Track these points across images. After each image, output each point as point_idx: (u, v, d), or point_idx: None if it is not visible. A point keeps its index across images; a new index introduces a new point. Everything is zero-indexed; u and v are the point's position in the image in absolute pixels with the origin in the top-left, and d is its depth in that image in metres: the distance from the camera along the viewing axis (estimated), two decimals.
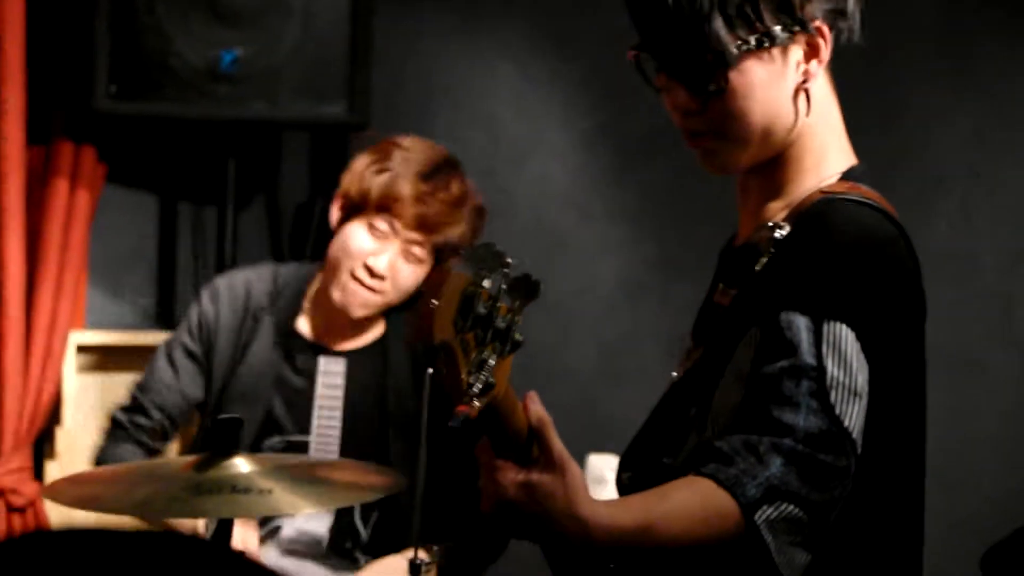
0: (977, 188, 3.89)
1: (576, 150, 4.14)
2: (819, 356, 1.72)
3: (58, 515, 3.71)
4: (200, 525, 2.78)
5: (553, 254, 4.11)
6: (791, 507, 1.67)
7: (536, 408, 1.61)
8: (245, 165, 3.89)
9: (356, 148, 3.12)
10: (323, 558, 3.03)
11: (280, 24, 3.56)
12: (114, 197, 3.88)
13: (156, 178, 4.04)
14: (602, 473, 3.52)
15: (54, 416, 3.70)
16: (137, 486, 2.27)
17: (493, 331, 1.47)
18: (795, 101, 1.87)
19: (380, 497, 2.41)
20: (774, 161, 1.91)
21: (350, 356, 3.08)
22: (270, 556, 3.01)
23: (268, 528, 3.02)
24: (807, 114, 1.88)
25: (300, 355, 3.06)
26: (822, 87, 1.90)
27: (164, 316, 4.03)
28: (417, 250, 2.97)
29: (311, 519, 3.02)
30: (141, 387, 3.07)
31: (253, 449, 2.97)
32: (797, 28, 1.84)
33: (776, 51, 1.84)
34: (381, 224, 2.96)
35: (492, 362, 1.47)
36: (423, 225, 2.95)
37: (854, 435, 1.71)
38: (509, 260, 1.48)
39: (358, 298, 2.97)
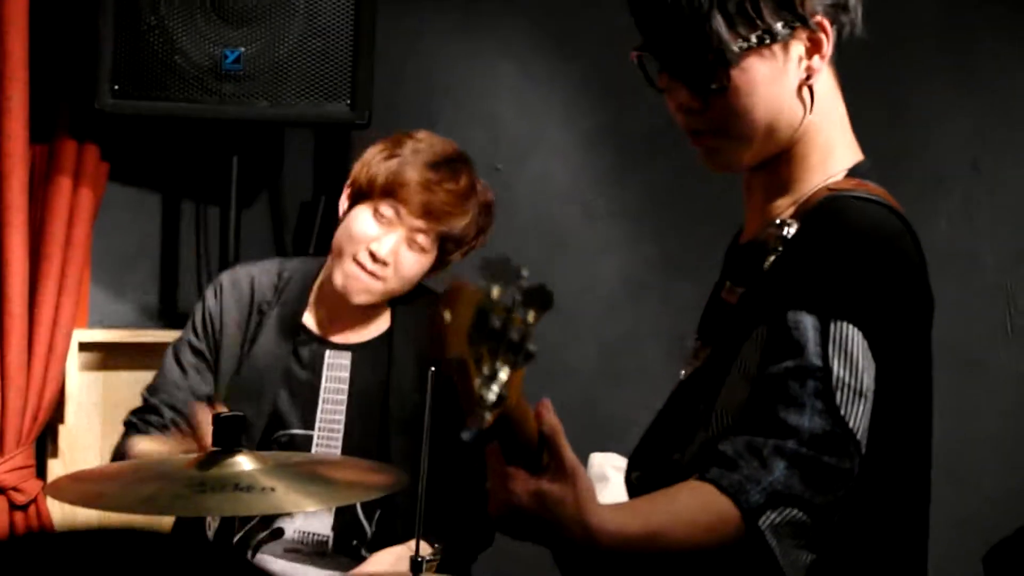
0: (978, 186, 3.88)
1: (577, 149, 4.14)
2: (825, 356, 1.72)
3: (60, 513, 3.71)
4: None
5: (554, 253, 4.12)
6: (794, 511, 1.68)
7: (549, 416, 1.62)
8: (248, 163, 3.89)
9: (360, 148, 3.13)
10: (329, 558, 3.03)
11: (283, 23, 3.56)
12: (117, 195, 3.89)
13: (159, 176, 4.05)
14: (604, 471, 3.52)
15: (57, 414, 3.71)
16: (140, 484, 2.27)
17: (507, 343, 1.46)
18: (798, 97, 1.87)
19: (381, 496, 2.42)
20: (779, 158, 1.91)
21: (356, 350, 3.08)
22: (274, 558, 3.01)
23: (270, 529, 3.03)
24: (810, 110, 1.88)
25: (306, 348, 3.06)
26: (826, 83, 1.90)
27: (167, 314, 4.03)
28: (421, 238, 2.97)
29: (313, 518, 3.02)
30: (151, 389, 3.08)
31: (262, 443, 2.97)
32: (798, 24, 1.84)
33: (777, 48, 1.84)
34: (386, 210, 2.96)
35: (505, 374, 1.48)
36: (428, 213, 2.95)
37: (858, 436, 1.72)
38: (523, 272, 1.48)
39: (359, 283, 2.97)
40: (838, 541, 1.75)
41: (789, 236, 1.85)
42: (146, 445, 2.91)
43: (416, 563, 2.56)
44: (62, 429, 3.75)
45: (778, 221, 1.88)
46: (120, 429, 3.07)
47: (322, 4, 3.57)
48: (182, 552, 1.04)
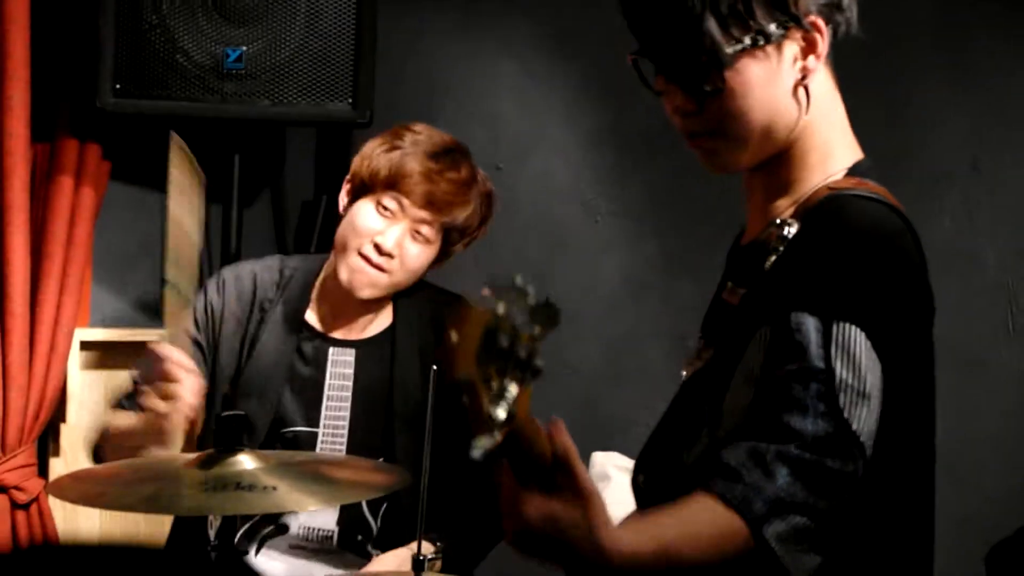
0: (978, 185, 3.88)
1: (578, 148, 4.14)
2: (828, 358, 1.71)
3: (62, 512, 3.72)
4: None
5: (555, 252, 4.12)
6: (799, 518, 1.68)
7: (561, 437, 1.62)
8: (250, 162, 3.89)
9: (361, 147, 3.13)
10: (335, 554, 3.03)
11: (285, 22, 3.57)
12: (119, 194, 3.89)
13: (161, 175, 4.04)
14: (606, 470, 3.52)
15: (58, 412, 3.71)
16: (142, 483, 2.27)
17: (515, 361, 1.47)
18: (794, 98, 1.87)
19: (383, 495, 2.41)
20: (778, 158, 1.90)
21: (359, 346, 3.08)
22: (278, 554, 3.01)
23: (275, 525, 3.02)
24: (806, 110, 1.88)
25: (309, 346, 3.06)
26: (824, 82, 1.90)
27: None
28: (425, 229, 2.97)
29: (318, 514, 3.02)
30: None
31: (266, 441, 2.97)
32: (792, 24, 1.83)
33: (771, 48, 1.83)
34: (389, 202, 2.96)
35: (514, 391, 1.48)
36: (431, 203, 2.95)
37: (862, 438, 1.71)
38: (530, 290, 1.48)
39: (365, 277, 2.97)
40: (845, 542, 1.75)
41: (790, 236, 1.85)
42: (121, 420, 2.89)
43: (418, 562, 2.56)
44: (64, 428, 3.75)
45: (778, 221, 1.88)
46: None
47: (323, 3, 3.58)
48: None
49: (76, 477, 2.38)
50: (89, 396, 3.80)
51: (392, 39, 3.96)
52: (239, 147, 3.80)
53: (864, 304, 1.74)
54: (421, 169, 2.95)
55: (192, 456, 2.33)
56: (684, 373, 1.99)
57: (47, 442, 3.76)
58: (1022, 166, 3.86)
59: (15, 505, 3.61)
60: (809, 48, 1.86)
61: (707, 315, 2.04)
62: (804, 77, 1.86)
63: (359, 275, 2.96)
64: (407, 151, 2.97)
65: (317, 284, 3.10)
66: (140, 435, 2.58)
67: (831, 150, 1.91)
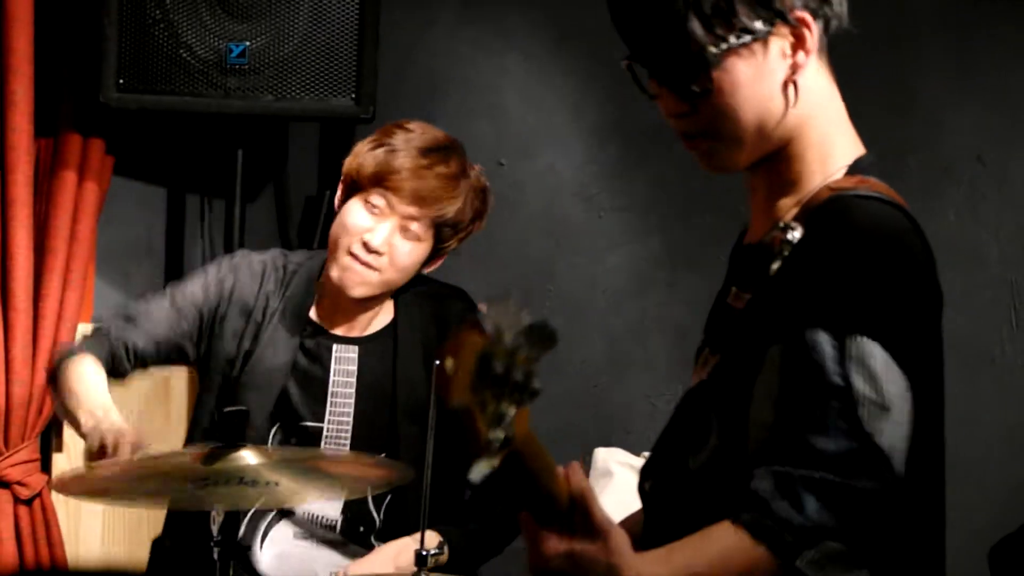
0: (984, 179, 3.87)
1: (582, 143, 4.14)
2: (845, 375, 1.71)
3: (65, 508, 3.72)
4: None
5: (559, 247, 4.11)
6: (831, 544, 1.68)
7: (577, 478, 1.64)
8: (253, 157, 3.89)
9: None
10: (338, 544, 3.03)
11: (288, 17, 3.57)
12: (122, 189, 3.89)
13: (164, 170, 4.05)
14: (608, 466, 3.52)
15: None
16: (145, 479, 2.28)
17: (511, 386, 1.47)
18: (785, 94, 1.85)
19: (384, 490, 2.41)
20: (777, 156, 1.89)
21: (362, 343, 3.08)
22: (283, 539, 3.02)
23: (279, 511, 3.02)
24: (794, 105, 1.86)
25: (312, 342, 3.06)
26: (818, 78, 1.88)
27: None
28: (415, 226, 2.96)
29: (322, 502, 3.02)
30: (140, 310, 3.04)
31: (266, 435, 2.97)
32: (778, 21, 1.82)
33: (758, 46, 1.82)
34: (377, 199, 2.95)
35: (511, 414, 1.48)
36: (419, 199, 2.94)
37: (887, 451, 1.70)
38: (525, 313, 1.48)
39: (355, 275, 2.96)
40: (882, 554, 1.74)
41: (794, 241, 1.84)
42: (84, 380, 2.89)
43: (421, 557, 2.56)
44: (67, 423, 3.75)
45: (782, 224, 1.86)
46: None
47: None
48: None
49: (79, 478, 2.38)
50: None
51: (395, 34, 3.96)
52: (242, 142, 3.80)
53: (876, 315, 1.73)
54: (409, 165, 2.94)
55: (195, 452, 2.33)
56: (692, 381, 1.98)
57: (50, 437, 3.76)
58: None
59: (18, 500, 3.61)
60: (798, 43, 1.84)
61: (711, 319, 2.02)
62: (794, 73, 1.85)
63: (349, 273, 2.96)
64: (396, 148, 2.96)
65: (321, 281, 3.10)
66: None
67: (831, 146, 1.89)
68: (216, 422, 2.92)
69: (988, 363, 3.85)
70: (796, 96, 1.85)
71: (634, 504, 2.06)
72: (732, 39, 1.80)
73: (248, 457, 2.26)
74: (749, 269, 1.91)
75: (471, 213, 3.02)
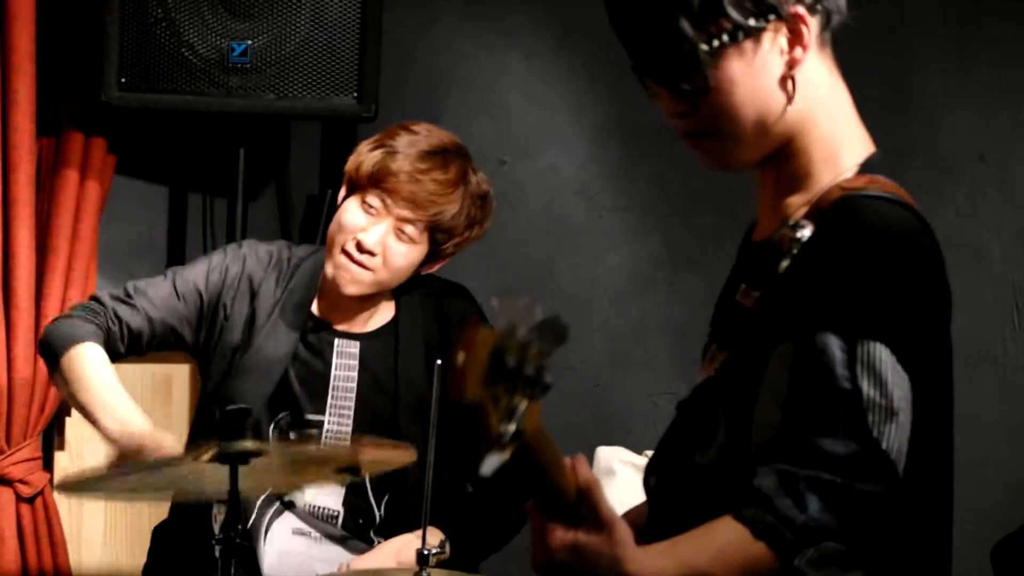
0: (985, 178, 3.87)
1: (584, 142, 4.14)
2: (854, 378, 1.71)
3: (67, 504, 3.72)
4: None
5: (560, 246, 4.11)
6: (831, 544, 1.69)
7: (584, 470, 1.65)
8: (255, 156, 3.89)
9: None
10: (338, 539, 3.04)
11: (290, 16, 3.57)
12: (124, 188, 3.89)
13: (166, 169, 4.05)
14: (611, 465, 3.52)
15: (63, 406, 3.71)
16: (147, 475, 2.28)
17: (523, 380, 1.48)
18: (783, 90, 1.84)
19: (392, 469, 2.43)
20: (782, 153, 1.88)
21: (363, 339, 3.09)
22: (283, 534, 3.02)
23: (281, 503, 3.03)
24: (791, 101, 1.85)
25: (314, 336, 3.07)
26: (820, 74, 1.87)
27: None
28: (409, 229, 2.96)
29: (324, 494, 3.03)
30: (139, 290, 3.04)
31: (264, 427, 2.98)
32: (772, 17, 1.81)
33: (752, 43, 1.81)
34: (373, 200, 2.96)
35: (523, 408, 1.49)
36: (414, 202, 2.94)
37: (892, 456, 1.71)
38: (538, 310, 1.49)
39: (348, 274, 2.97)
40: (880, 556, 1.75)
41: (804, 239, 1.83)
42: (100, 379, 2.91)
43: (422, 556, 2.56)
44: (69, 422, 3.76)
45: (791, 223, 1.86)
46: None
47: None
48: None
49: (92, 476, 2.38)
50: None
51: (397, 33, 3.96)
52: (244, 141, 3.80)
53: (886, 319, 1.73)
54: (407, 168, 2.94)
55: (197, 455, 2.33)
56: (698, 377, 1.98)
57: (52, 436, 3.76)
58: None
59: (20, 499, 3.61)
60: (795, 39, 1.83)
61: (717, 316, 2.02)
62: (791, 69, 1.84)
63: (342, 271, 2.97)
64: (395, 150, 2.96)
65: (322, 276, 3.11)
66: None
67: (839, 144, 1.88)
68: (217, 417, 2.92)
69: (990, 362, 3.85)
70: (795, 92, 1.84)
71: (635, 502, 2.07)
72: (724, 37, 1.80)
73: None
74: (758, 266, 1.91)
75: (467, 220, 3.01)
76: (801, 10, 1.82)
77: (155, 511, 3.55)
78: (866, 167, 1.87)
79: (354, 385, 3.05)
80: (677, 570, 1.67)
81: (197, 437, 2.97)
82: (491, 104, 4.14)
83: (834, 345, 1.72)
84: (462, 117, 4.05)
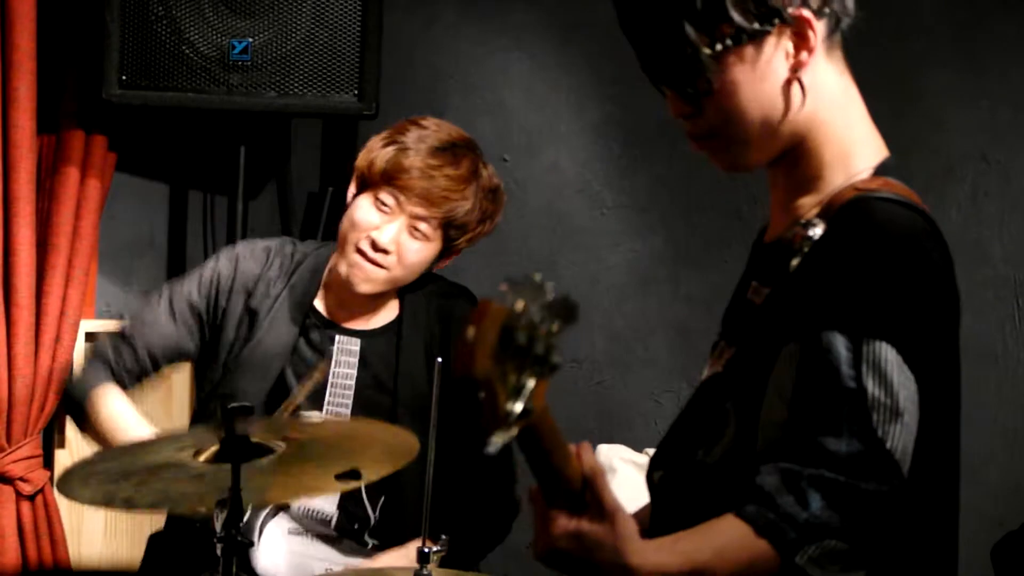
0: (988, 177, 3.87)
1: (586, 140, 4.14)
2: (859, 378, 1.71)
3: (68, 502, 3.72)
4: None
5: (562, 244, 4.11)
6: (833, 542, 1.69)
7: (589, 458, 1.66)
8: (256, 154, 3.89)
9: (367, 138, 3.12)
10: (333, 540, 3.04)
11: (291, 13, 3.56)
12: (125, 185, 3.89)
13: (167, 167, 4.05)
14: (611, 462, 3.52)
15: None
16: (152, 481, 2.27)
17: (532, 358, 1.48)
18: (789, 93, 1.85)
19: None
20: (793, 154, 1.89)
21: (365, 336, 3.08)
22: (278, 534, 3.02)
23: (275, 506, 3.03)
24: (801, 104, 1.86)
25: (315, 332, 3.07)
26: (830, 76, 1.88)
27: None
28: (423, 226, 2.96)
29: (318, 497, 3.02)
30: (134, 325, 3.07)
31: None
32: (776, 20, 1.82)
33: (756, 46, 1.82)
34: (387, 198, 2.95)
35: (531, 387, 1.48)
36: (427, 199, 2.94)
37: (897, 456, 1.71)
38: (548, 286, 1.48)
39: (362, 272, 2.97)
40: (883, 556, 1.74)
41: (815, 237, 1.83)
42: (119, 418, 2.93)
43: (423, 554, 2.56)
44: (69, 420, 3.75)
45: (803, 221, 1.86)
46: None
47: None
48: None
49: (85, 473, 2.37)
50: None
51: (399, 30, 3.96)
52: (245, 138, 3.80)
53: (893, 320, 1.73)
54: (419, 165, 2.94)
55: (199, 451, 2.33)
56: (705, 372, 1.98)
57: (52, 433, 3.76)
58: None
59: (20, 496, 3.61)
60: (800, 42, 1.84)
61: (728, 313, 2.02)
62: (796, 71, 1.84)
63: (356, 270, 2.96)
64: (407, 146, 2.96)
65: (326, 272, 3.10)
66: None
67: (851, 146, 1.88)
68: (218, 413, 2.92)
69: (991, 361, 3.85)
70: (803, 95, 1.84)
71: (636, 500, 2.07)
72: (728, 41, 1.81)
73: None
74: (769, 265, 1.91)
75: (480, 214, 3.02)
76: (806, 13, 1.83)
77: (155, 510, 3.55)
78: (881, 170, 1.88)
79: (352, 383, 3.05)
80: (679, 564, 1.67)
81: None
82: (492, 102, 4.14)
83: (840, 344, 1.72)
84: (463, 115, 4.05)
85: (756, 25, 1.81)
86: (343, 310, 3.08)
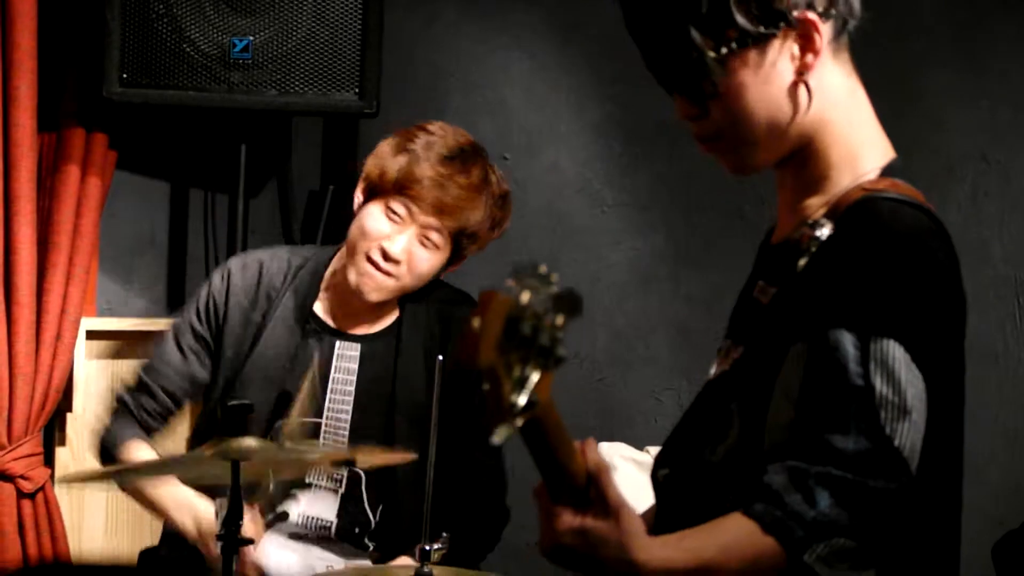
0: (988, 177, 3.88)
1: (586, 139, 4.14)
2: (867, 375, 1.71)
3: (68, 500, 3.72)
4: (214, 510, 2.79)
5: (563, 243, 4.11)
6: (841, 540, 1.68)
7: (594, 454, 1.65)
8: (257, 152, 3.89)
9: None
10: (334, 543, 3.04)
11: (292, 11, 3.56)
12: (125, 184, 3.89)
13: (167, 165, 4.05)
14: (612, 460, 3.52)
15: (64, 402, 3.71)
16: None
17: (537, 349, 1.47)
18: (796, 95, 1.85)
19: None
20: (800, 155, 1.89)
21: (365, 341, 3.08)
22: (277, 540, 3.02)
23: (276, 513, 3.03)
24: (808, 106, 1.86)
25: (315, 337, 3.06)
26: (836, 78, 1.88)
27: (175, 302, 4.03)
28: (434, 235, 2.96)
29: (319, 503, 3.03)
30: (148, 369, 3.08)
31: (269, 429, 2.98)
32: (782, 24, 1.82)
33: (761, 49, 1.82)
34: (398, 207, 2.95)
35: (535, 379, 1.48)
36: (440, 209, 2.93)
37: (905, 453, 1.71)
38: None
39: (372, 281, 2.96)
40: (892, 555, 1.74)
41: (823, 237, 1.84)
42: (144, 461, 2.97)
43: (424, 552, 2.56)
44: (70, 417, 3.75)
45: (811, 221, 1.86)
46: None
47: None
48: None
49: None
50: (95, 385, 3.80)
51: (400, 29, 3.96)
52: (246, 137, 3.80)
53: (901, 318, 1.73)
54: (431, 174, 2.92)
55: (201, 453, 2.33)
56: (713, 371, 1.98)
57: (53, 431, 3.76)
58: None
59: (21, 494, 3.61)
60: (806, 45, 1.84)
61: (735, 313, 2.02)
62: (802, 74, 1.85)
63: (366, 279, 2.96)
64: (418, 155, 2.95)
65: (326, 276, 3.10)
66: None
67: (858, 147, 1.89)
68: (219, 417, 2.93)
69: (992, 360, 3.86)
70: (809, 97, 1.85)
71: (637, 498, 2.07)
72: (732, 44, 1.81)
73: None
74: (777, 265, 1.91)
75: (491, 222, 3.02)
76: (812, 16, 1.83)
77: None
78: (888, 171, 1.88)
79: (352, 388, 3.04)
80: (684, 560, 1.67)
81: (198, 445, 2.98)
82: (492, 101, 4.14)
83: (848, 342, 1.72)
84: (464, 114, 4.05)
85: (761, 28, 1.81)
86: (344, 314, 3.08)
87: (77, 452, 3.73)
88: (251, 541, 2.98)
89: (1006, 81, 3.88)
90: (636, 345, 4.11)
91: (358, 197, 3.04)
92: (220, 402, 2.99)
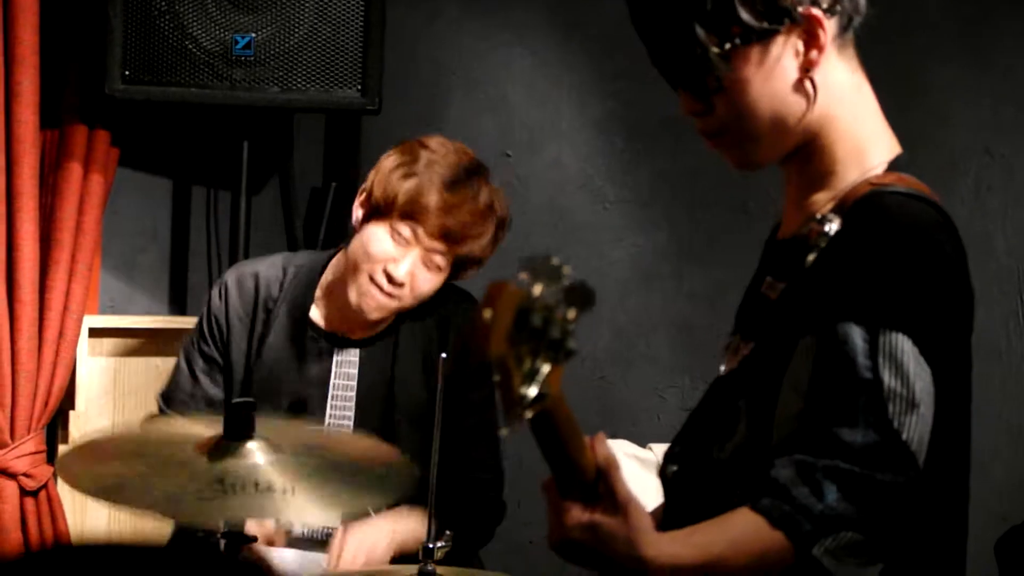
0: (992, 171, 3.87)
1: (588, 135, 4.14)
2: (875, 369, 1.71)
3: (71, 498, 3.72)
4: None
5: (565, 240, 4.11)
6: (849, 534, 1.69)
7: (603, 449, 1.66)
8: (259, 149, 3.89)
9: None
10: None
11: (294, 8, 3.56)
12: (128, 181, 3.89)
13: (170, 162, 4.04)
14: None
15: (67, 400, 3.71)
16: (156, 476, 2.25)
17: (548, 342, 1.47)
18: (801, 91, 1.85)
19: (397, 497, 2.42)
20: (805, 150, 1.89)
21: (363, 345, 3.07)
22: (280, 544, 3.02)
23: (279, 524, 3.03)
24: (812, 102, 1.86)
25: (314, 344, 3.05)
26: (842, 74, 1.88)
27: (177, 300, 4.03)
28: (438, 258, 2.95)
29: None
30: (166, 397, 3.10)
31: None
32: (786, 20, 1.82)
33: (765, 45, 1.83)
34: (404, 229, 2.93)
35: (545, 371, 1.47)
36: (447, 236, 2.93)
37: (912, 447, 1.71)
38: (566, 271, 1.48)
39: (374, 301, 2.95)
40: (900, 548, 1.74)
41: (831, 232, 1.84)
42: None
43: (428, 549, 2.56)
44: (72, 415, 3.75)
45: (819, 216, 1.86)
46: (129, 415, 3.07)
47: None
48: None
49: (87, 460, 2.36)
50: (98, 383, 3.80)
51: (401, 26, 3.95)
52: (248, 134, 3.79)
53: (910, 311, 1.73)
54: (439, 202, 2.90)
55: (201, 441, 2.32)
56: (722, 368, 1.98)
57: (56, 429, 3.76)
58: None
59: (24, 492, 3.61)
60: (810, 41, 1.84)
61: (742, 309, 2.02)
62: (807, 70, 1.85)
63: (368, 299, 2.95)
64: (424, 179, 2.92)
65: (322, 282, 3.09)
66: None
67: (864, 142, 1.89)
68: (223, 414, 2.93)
69: (995, 356, 3.85)
70: (814, 93, 1.85)
71: (640, 495, 2.06)
72: (736, 40, 1.81)
73: (256, 452, 2.25)
74: (784, 260, 1.91)
75: (492, 249, 3.02)
76: (816, 12, 1.83)
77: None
78: (895, 166, 1.88)
79: (353, 393, 3.04)
80: (693, 556, 1.67)
81: None
82: (494, 97, 4.14)
83: (856, 335, 1.72)
84: (466, 111, 4.05)
85: (765, 24, 1.81)
86: (343, 321, 3.07)
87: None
88: (253, 539, 2.99)
89: (1011, 77, 3.88)
90: (638, 342, 4.11)
91: (358, 211, 3.02)
92: (224, 403, 2.99)
